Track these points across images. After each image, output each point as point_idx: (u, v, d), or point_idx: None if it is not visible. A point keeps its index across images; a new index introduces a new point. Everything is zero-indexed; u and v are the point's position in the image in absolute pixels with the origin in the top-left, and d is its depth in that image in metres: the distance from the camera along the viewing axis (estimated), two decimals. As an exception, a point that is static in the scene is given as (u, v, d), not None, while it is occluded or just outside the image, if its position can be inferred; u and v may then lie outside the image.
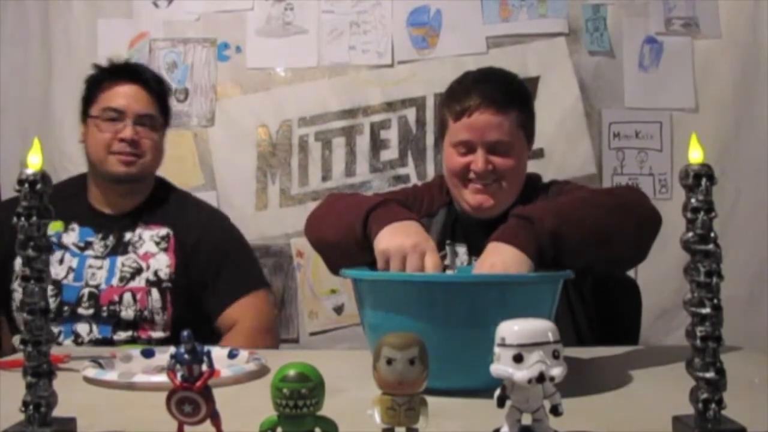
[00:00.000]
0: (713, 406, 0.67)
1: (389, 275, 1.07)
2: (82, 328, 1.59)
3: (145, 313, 1.59)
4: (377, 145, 2.26)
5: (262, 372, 1.07)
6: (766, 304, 2.22)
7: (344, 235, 1.22)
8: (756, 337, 2.00)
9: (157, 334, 1.60)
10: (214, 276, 1.65)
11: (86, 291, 1.59)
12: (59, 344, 1.60)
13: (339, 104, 2.28)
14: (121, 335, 1.58)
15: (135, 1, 2.33)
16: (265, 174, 2.28)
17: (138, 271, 1.61)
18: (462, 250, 1.48)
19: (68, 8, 2.33)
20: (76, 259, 1.62)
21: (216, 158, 2.24)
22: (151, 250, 1.63)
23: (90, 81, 1.71)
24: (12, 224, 1.81)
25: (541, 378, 0.63)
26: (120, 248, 1.63)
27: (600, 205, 1.22)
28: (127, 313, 1.58)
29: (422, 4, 2.29)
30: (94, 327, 1.59)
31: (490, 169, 1.43)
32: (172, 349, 0.66)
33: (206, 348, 0.67)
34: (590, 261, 1.15)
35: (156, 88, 1.70)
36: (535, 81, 2.25)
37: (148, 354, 1.18)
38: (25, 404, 0.69)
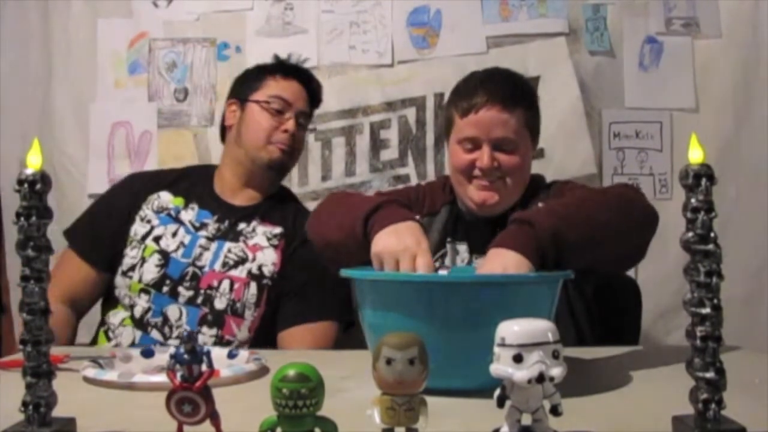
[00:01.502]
0: (713, 406, 0.67)
1: (389, 275, 1.08)
2: (172, 312, 1.59)
3: (237, 305, 1.59)
4: (377, 145, 2.26)
5: (262, 372, 1.07)
6: (765, 304, 2.22)
7: (346, 236, 1.23)
8: (756, 337, 2.00)
9: (242, 335, 1.60)
10: (297, 289, 1.64)
11: (191, 270, 1.60)
12: (141, 323, 1.60)
13: (339, 104, 2.28)
14: (206, 333, 1.58)
15: (135, 1, 2.33)
16: (265, 174, 2.27)
17: (242, 260, 1.62)
18: (463, 248, 1.49)
19: (68, 8, 2.33)
20: (189, 236, 1.64)
21: (215, 158, 2.22)
22: (261, 243, 1.65)
23: (258, 69, 1.78)
24: (138, 193, 1.72)
25: (540, 378, 0.63)
26: (231, 234, 1.65)
27: (598, 205, 1.22)
28: (221, 301, 1.59)
29: (422, 4, 2.29)
30: (184, 314, 1.59)
31: (495, 165, 1.44)
32: (171, 349, 0.66)
33: (206, 348, 0.67)
34: (591, 260, 1.15)
35: (316, 94, 1.79)
36: (535, 81, 2.24)
37: (147, 354, 1.18)
38: (25, 404, 0.69)
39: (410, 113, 2.27)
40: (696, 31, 2.28)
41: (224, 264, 1.61)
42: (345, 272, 1.06)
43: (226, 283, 1.59)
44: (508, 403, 0.66)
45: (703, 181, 0.68)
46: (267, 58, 2.28)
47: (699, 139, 0.71)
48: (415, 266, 1.08)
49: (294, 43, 2.29)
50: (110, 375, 1.02)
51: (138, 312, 1.61)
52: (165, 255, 1.62)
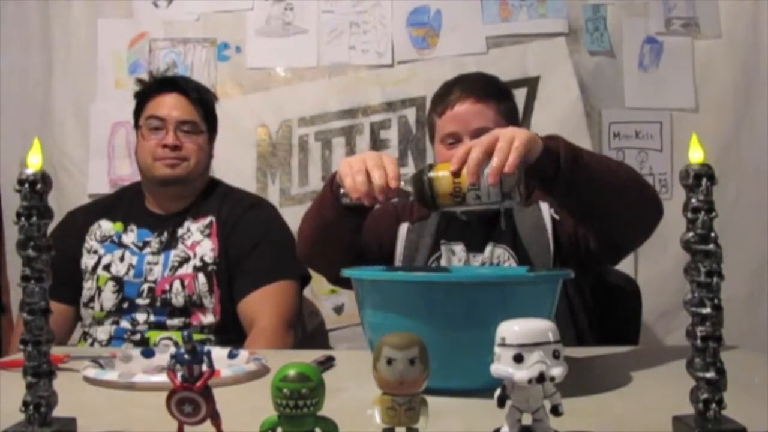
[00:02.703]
0: (713, 406, 0.67)
1: (389, 275, 1.08)
2: (140, 316, 1.66)
3: (194, 297, 1.65)
4: (377, 145, 2.26)
5: (262, 372, 1.07)
6: (765, 303, 2.22)
7: (318, 213, 1.29)
8: (756, 337, 2.00)
9: (208, 320, 1.66)
10: (244, 259, 1.70)
11: (146, 286, 1.67)
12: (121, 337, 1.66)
13: (339, 104, 2.28)
14: (175, 321, 1.65)
15: (135, 1, 2.33)
16: (265, 174, 2.28)
17: (186, 260, 1.68)
18: (459, 248, 1.48)
19: (68, 8, 2.33)
20: (136, 257, 1.70)
21: (216, 158, 2.23)
22: (197, 238, 1.71)
23: (137, 94, 1.82)
24: (80, 227, 1.80)
25: (541, 378, 0.63)
26: (173, 243, 1.71)
27: (617, 163, 1.29)
28: (178, 300, 1.64)
29: (422, 4, 2.29)
30: (151, 315, 1.65)
31: None
32: (172, 349, 0.66)
33: (206, 348, 0.67)
34: (599, 201, 1.18)
35: (196, 96, 1.79)
36: (535, 81, 2.25)
37: (148, 354, 1.18)
38: (25, 404, 0.69)
39: (410, 113, 2.27)
40: (696, 31, 2.28)
41: (171, 268, 1.67)
42: (345, 272, 1.06)
43: (177, 283, 1.66)
44: (508, 403, 0.66)
45: (704, 181, 0.68)
46: (267, 59, 2.30)
47: (699, 139, 0.71)
48: (383, 161, 1.12)
49: (294, 43, 2.29)
50: (111, 375, 1.02)
51: (105, 333, 1.68)
52: (118, 280, 1.69)
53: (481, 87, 1.51)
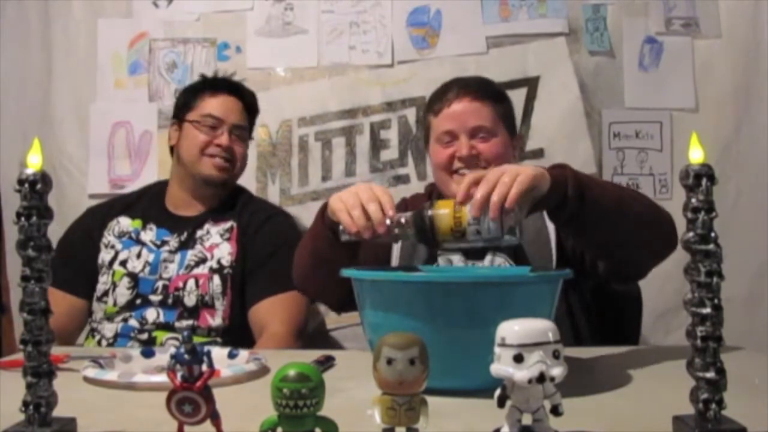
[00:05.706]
0: (713, 406, 0.67)
1: (389, 275, 1.08)
2: (150, 313, 1.67)
3: (206, 298, 1.67)
4: (377, 145, 2.26)
5: (262, 372, 1.07)
6: (766, 304, 2.22)
7: (313, 245, 1.28)
8: (756, 337, 2.00)
9: (217, 323, 1.67)
10: (261, 266, 1.72)
11: (160, 283, 1.69)
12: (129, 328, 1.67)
13: (339, 104, 2.28)
14: (183, 323, 1.66)
15: (135, 1, 2.33)
16: (265, 174, 2.28)
17: (202, 260, 1.71)
18: (456, 257, 1.46)
19: (68, 8, 2.33)
20: (153, 255, 1.72)
21: (216, 158, 2.25)
22: (216, 241, 1.74)
23: (191, 89, 1.86)
24: (99, 223, 1.84)
25: (541, 378, 0.63)
26: (191, 243, 1.74)
27: (631, 193, 1.26)
28: (190, 298, 1.66)
29: (422, 4, 2.29)
30: (161, 313, 1.67)
31: (474, 153, 1.46)
32: (172, 349, 0.66)
33: (206, 348, 0.68)
34: (608, 234, 1.16)
35: (251, 103, 1.85)
36: (535, 81, 2.25)
37: (148, 354, 1.18)
38: (25, 404, 0.69)
39: (410, 113, 2.27)
40: (696, 31, 2.28)
41: (187, 267, 1.69)
42: (345, 272, 1.06)
43: (191, 282, 1.67)
44: (508, 403, 0.66)
45: (704, 181, 0.68)
46: (267, 59, 2.30)
47: (699, 139, 0.71)
48: (376, 193, 1.10)
49: (294, 43, 2.29)
50: (110, 375, 1.02)
51: (112, 331, 1.68)
52: (134, 277, 1.70)
53: (479, 87, 1.52)
